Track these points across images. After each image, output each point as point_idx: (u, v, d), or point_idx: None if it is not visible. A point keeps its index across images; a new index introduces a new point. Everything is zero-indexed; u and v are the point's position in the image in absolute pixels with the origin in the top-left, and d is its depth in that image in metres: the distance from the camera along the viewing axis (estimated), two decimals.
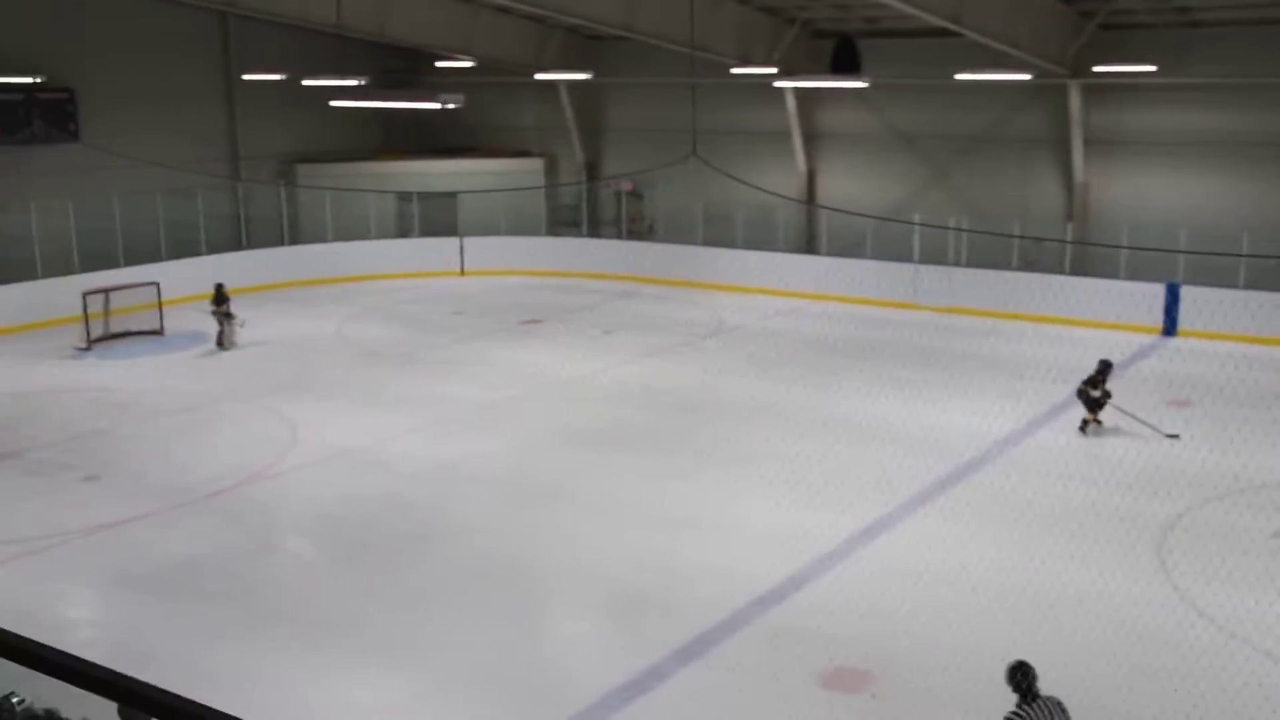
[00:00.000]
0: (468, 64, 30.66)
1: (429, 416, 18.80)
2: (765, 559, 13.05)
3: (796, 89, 29.01)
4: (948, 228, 26.16)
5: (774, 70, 26.65)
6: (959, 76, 23.17)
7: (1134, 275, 24.45)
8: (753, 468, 16.06)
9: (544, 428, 18.10)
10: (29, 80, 25.10)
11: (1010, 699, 8.01)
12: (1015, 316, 24.24)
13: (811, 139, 30.31)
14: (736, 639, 11.48)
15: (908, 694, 10.34)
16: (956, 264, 26.58)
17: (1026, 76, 23.46)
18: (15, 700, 7.76)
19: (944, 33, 23.50)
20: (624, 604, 12.43)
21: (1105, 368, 17.69)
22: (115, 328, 24.36)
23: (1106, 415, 17.54)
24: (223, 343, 23.33)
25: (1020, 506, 14.47)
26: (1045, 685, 8.66)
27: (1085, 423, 17.70)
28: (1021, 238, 25.49)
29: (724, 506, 14.76)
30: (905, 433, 17.39)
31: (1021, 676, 8.13)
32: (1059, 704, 8.13)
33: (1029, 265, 26.06)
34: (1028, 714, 7.99)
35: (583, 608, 12.67)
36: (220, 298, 23.35)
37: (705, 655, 11.17)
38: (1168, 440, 16.72)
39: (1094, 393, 17.67)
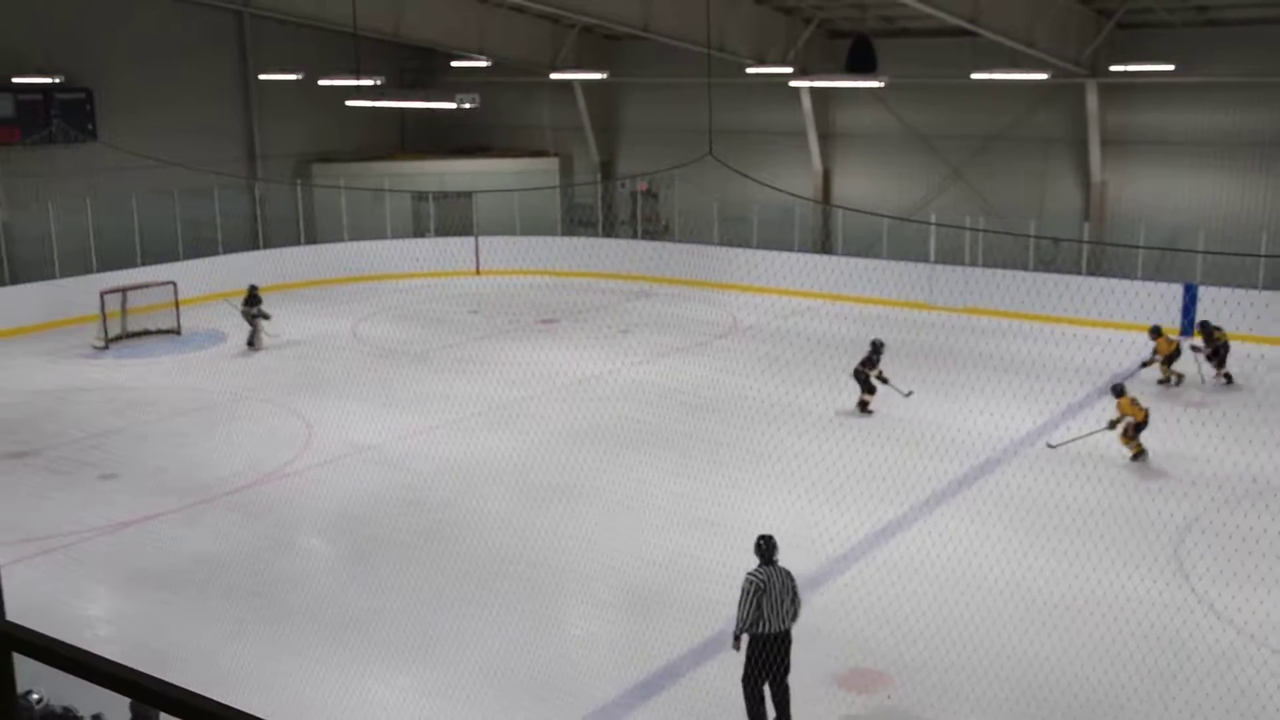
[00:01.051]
0: (483, 64, 30.71)
1: (444, 415, 18.84)
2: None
3: (812, 89, 28.97)
4: (964, 228, 26.09)
5: (790, 70, 26.62)
6: (976, 76, 23.11)
7: (1151, 275, 24.36)
8: (768, 467, 16.05)
9: (559, 427, 18.12)
10: (48, 80, 25.24)
11: None
12: (1032, 317, 24.17)
13: (827, 139, 30.26)
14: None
15: (924, 695, 10.32)
16: (972, 264, 26.51)
17: (1044, 76, 23.39)
18: (34, 698, 7.82)
19: (961, 32, 23.44)
20: (638, 603, 12.43)
21: (878, 348, 18.64)
22: (133, 327, 24.48)
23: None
24: (253, 343, 23.39)
25: (1036, 507, 14.44)
26: (1063, 686, 8.65)
27: (863, 403, 18.68)
28: (1038, 237, 25.41)
29: (738, 506, 14.74)
30: (921, 433, 17.36)
31: (765, 545, 10.05)
32: (789, 574, 9.92)
33: (1046, 265, 25.98)
34: (763, 574, 9.81)
35: (597, 607, 12.68)
36: (253, 299, 23.43)
37: (719, 655, 11.14)
38: (1184, 440, 16.63)
39: (870, 373, 18.50)
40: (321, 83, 25.57)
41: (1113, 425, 16.26)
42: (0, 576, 9.46)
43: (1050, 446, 16.67)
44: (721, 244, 29.90)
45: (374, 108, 27.66)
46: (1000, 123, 27.50)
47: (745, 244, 29.46)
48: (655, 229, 32.77)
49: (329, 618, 12.06)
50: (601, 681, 10.65)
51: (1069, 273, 25.34)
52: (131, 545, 14.07)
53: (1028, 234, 25.38)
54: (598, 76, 29.05)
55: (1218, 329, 19.97)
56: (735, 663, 10.97)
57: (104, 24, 28.04)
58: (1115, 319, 23.24)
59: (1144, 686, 10.24)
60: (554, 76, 29.96)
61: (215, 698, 2.08)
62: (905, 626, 11.44)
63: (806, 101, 29.43)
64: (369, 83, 22.95)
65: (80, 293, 24.60)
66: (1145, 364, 19.77)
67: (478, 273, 31.24)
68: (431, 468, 16.53)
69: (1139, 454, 16.23)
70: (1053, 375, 19.52)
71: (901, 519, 14.38)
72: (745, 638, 9.74)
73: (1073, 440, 16.65)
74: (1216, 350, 19.87)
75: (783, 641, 9.73)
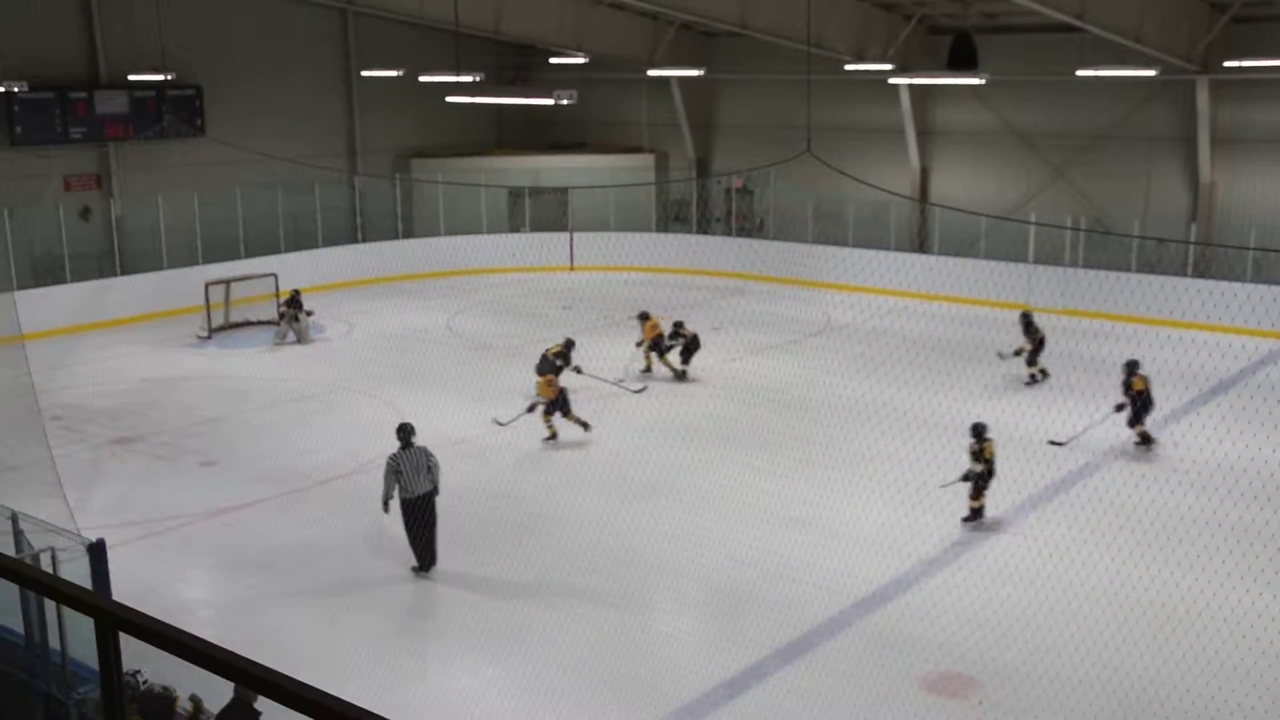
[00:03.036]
0: (581, 60, 30.85)
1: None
2: (870, 560, 12.91)
3: (912, 86, 28.61)
4: (1065, 227, 25.55)
5: (889, 66, 26.30)
6: (1080, 73, 22.61)
7: (1263, 278, 23.60)
8: (859, 468, 15.89)
9: (650, 423, 18.14)
10: (160, 78, 25.95)
11: None
12: (1134, 319, 23.56)
13: (925, 136, 29.86)
14: (839, 640, 11.38)
15: (1016, 702, 10.14)
16: (1073, 265, 25.95)
17: (1152, 73, 22.79)
18: (140, 679, 8.04)
19: (1066, 28, 22.95)
20: (726, 601, 12.40)
21: (569, 345, 19.56)
22: (235, 317, 25.07)
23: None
24: (300, 337, 23.92)
25: (1136, 514, 14.09)
26: (1162, 699, 8.38)
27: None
28: (1142, 238, 24.79)
29: (829, 506, 14.63)
30: (1018, 436, 17.03)
31: (402, 432, 13.10)
32: (425, 451, 13.01)
33: (1150, 267, 25.33)
34: (397, 457, 12.87)
35: (684, 603, 12.68)
36: (295, 301, 24.04)
37: (806, 656, 11.09)
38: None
39: (561, 365, 19.20)
40: (422, 79, 25.88)
41: (531, 409, 17.40)
42: (107, 558, 9.72)
43: (499, 424, 17.75)
44: (816, 242, 29.67)
45: (472, 104, 27.96)
46: (1104, 121, 26.88)
47: (840, 242, 29.20)
48: (749, 226, 32.64)
49: (419, 608, 12.24)
50: (687, 679, 10.64)
51: (1174, 275, 24.67)
52: (230, 531, 14.41)
53: (1131, 235, 24.77)
54: (695, 73, 29.00)
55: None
56: (822, 666, 10.93)
57: (214, 23, 28.72)
58: (1223, 323, 22.57)
59: (1248, 701, 9.94)
60: (651, 73, 29.98)
61: (308, 683, 2.12)
62: (998, 632, 11.25)
63: (905, 99, 29.07)
64: (468, 79, 23.16)
65: (186, 284, 25.26)
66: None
67: (571, 268, 31.40)
68: (522, 461, 16.67)
69: (552, 435, 17.44)
70: (1155, 380, 19.04)
71: (995, 523, 14.14)
72: (395, 503, 12.87)
73: (513, 419, 17.54)
74: None
75: (425, 502, 12.90)
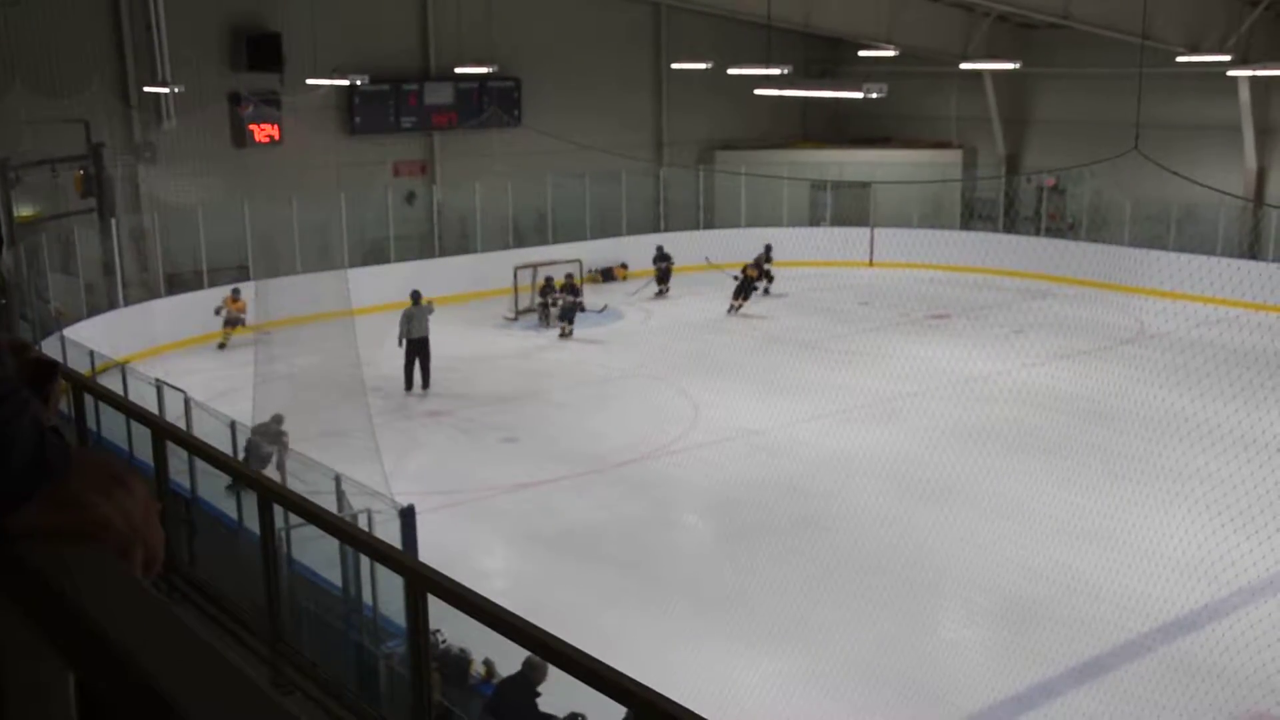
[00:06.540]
0: (890, 53, 30.31)
1: (829, 405, 18.83)
2: (1178, 584, 12.09)
3: (1253, 78, 26.49)
4: None
5: (1228, 58, 24.45)
6: None
7: None
8: (1169, 485, 14.92)
9: (945, 425, 17.66)
10: (483, 70, 27.37)
11: None
12: None
13: (1266, 134, 27.61)
14: (1138, 666, 10.75)
15: None
16: None
17: None
18: (440, 638, 8.53)
19: None
20: (1017, 614, 11.94)
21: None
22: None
23: None
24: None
25: None
26: None
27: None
28: None
29: (1134, 523, 13.80)
30: None
31: (414, 295, 19.62)
32: (429, 308, 19.94)
33: None
34: (412, 311, 19.65)
35: (973, 613, 12.30)
36: (574, 289, 24.86)
37: (1101, 679, 10.54)
38: None
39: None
40: (730, 72, 26.13)
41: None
42: (416, 523, 10.33)
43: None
44: (1132, 244, 28.02)
45: (778, 96, 27.98)
46: None
47: (1159, 245, 27.45)
48: (1060, 226, 31.19)
49: (700, 595, 12.40)
50: (971, 689, 10.32)
51: None
52: (527, 506, 15.06)
53: None
54: (1010, 66, 27.92)
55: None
56: (1119, 690, 10.36)
57: (535, 17, 29.98)
58: None
59: None
60: (963, 66, 29.09)
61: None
62: None
63: (1244, 93, 26.95)
64: (776, 72, 23.20)
65: (497, 266, 26.54)
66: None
67: (871, 264, 30.95)
68: (813, 456, 16.58)
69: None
70: None
71: None
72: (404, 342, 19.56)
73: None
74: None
75: (422, 342, 19.67)
